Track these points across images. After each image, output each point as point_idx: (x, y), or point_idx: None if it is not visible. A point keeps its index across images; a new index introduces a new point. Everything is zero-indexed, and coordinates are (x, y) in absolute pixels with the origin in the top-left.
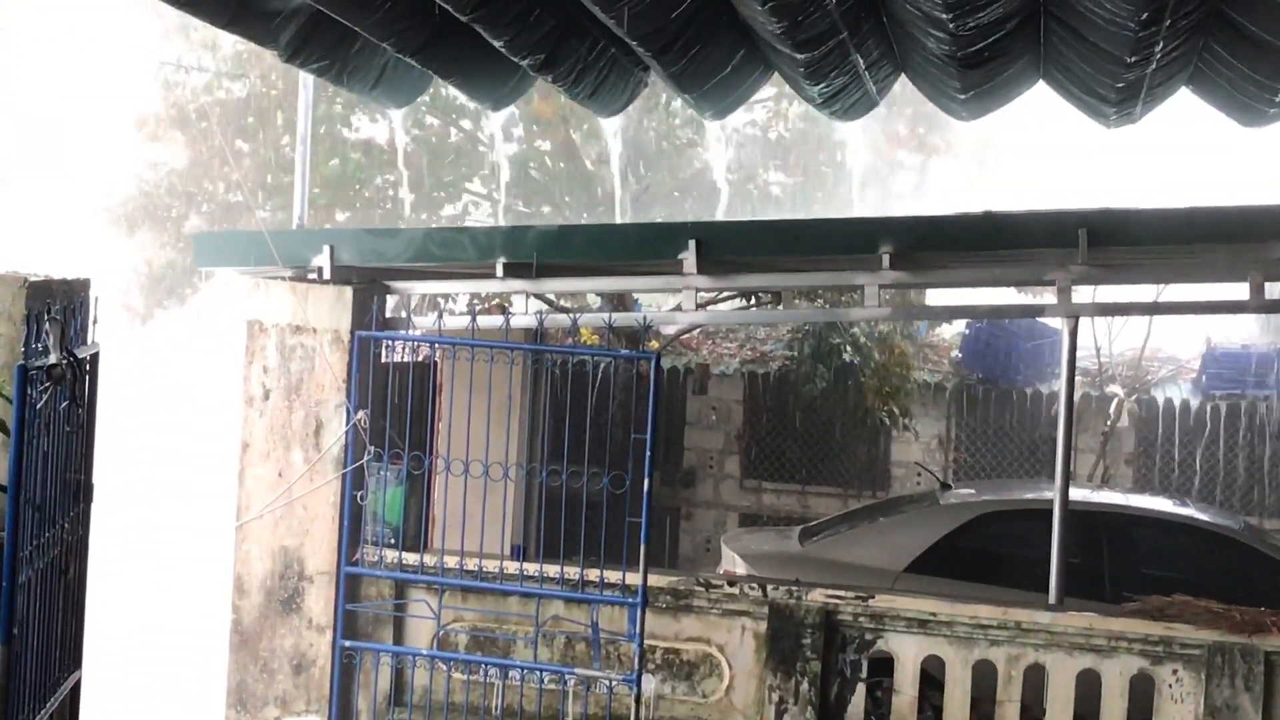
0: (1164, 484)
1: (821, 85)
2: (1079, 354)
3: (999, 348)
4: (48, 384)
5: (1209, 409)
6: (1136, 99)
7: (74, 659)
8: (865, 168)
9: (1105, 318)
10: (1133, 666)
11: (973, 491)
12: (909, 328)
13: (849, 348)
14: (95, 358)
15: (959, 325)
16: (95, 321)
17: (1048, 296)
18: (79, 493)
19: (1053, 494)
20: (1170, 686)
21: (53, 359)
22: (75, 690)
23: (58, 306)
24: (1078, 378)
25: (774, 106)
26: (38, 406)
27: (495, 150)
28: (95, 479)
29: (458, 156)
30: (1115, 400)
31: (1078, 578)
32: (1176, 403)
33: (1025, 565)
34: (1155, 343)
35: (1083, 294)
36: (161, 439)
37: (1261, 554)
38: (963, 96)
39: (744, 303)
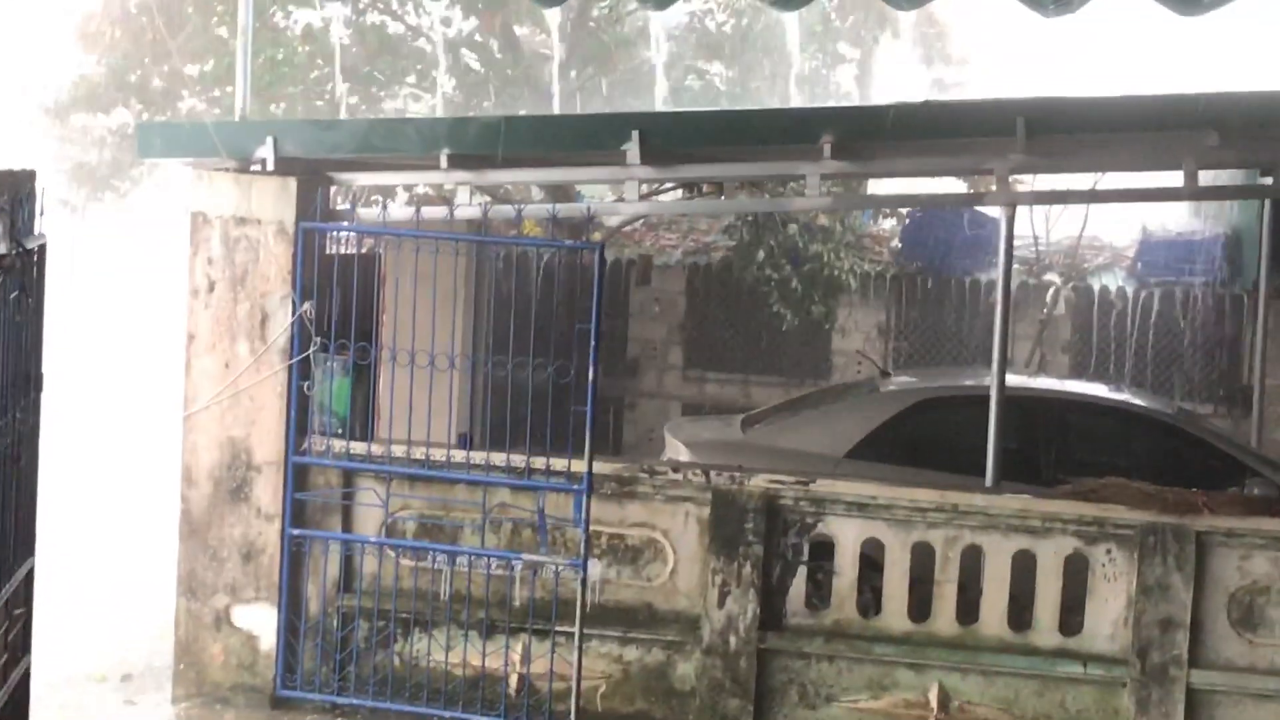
0: (1100, 371)
1: None
2: (1017, 243)
3: (938, 237)
4: None
5: (1144, 296)
6: None
7: (27, 546)
8: (806, 61)
9: (1043, 206)
10: (1067, 547)
11: (912, 379)
12: (850, 219)
13: (772, 251)
14: (43, 249)
15: (899, 215)
16: (41, 213)
17: (987, 186)
18: (29, 382)
19: (990, 381)
20: (1104, 566)
21: (1, 249)
22: (29, 577)
23: (4, 198)
24: (1016, 266)
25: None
26: None
27: (434, 42)
28: (44, 369)
29: (396, 48)
30: (1052, 288)
31: (1015, 463)
32: (1113, 290)
33: (963, 451)
34: (1092, 231)
35: (1022, 182)
36: (106, 332)
37: (1196, 438)
38: None
39: (687, 194)
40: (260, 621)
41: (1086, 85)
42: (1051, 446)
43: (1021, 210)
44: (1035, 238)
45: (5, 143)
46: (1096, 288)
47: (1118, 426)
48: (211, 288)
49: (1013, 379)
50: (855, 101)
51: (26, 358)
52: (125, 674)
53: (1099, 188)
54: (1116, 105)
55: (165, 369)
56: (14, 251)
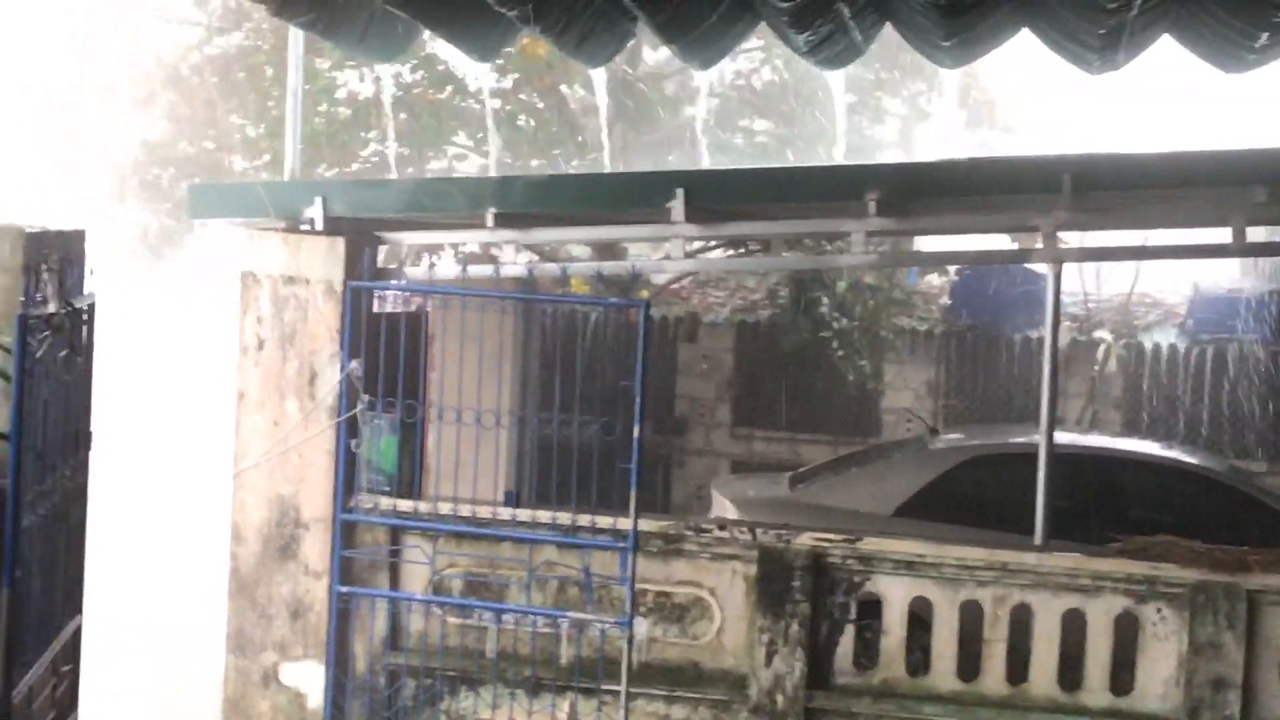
0: (1151, 427)
1: (807, 34)
2: (1066, 299)
3: (988, 294)
4: (47, 333)
5: (1195, 353)
6: (1119, 46)
7: (74, 604)
8: (850, 116)
9: (1093, 263)
10: (1117, 606)
11: (961, 436)
12: (896, 275)
13: (826, 303)
14: (92, 308)
15: (950, 271)
16: (91, 273)
17: (1034, 242)
18: (78, 440)
19: (1039, 438)
20: (1154, 625)
21: (51, 308)
22: (76, 635)
23: (55, 257)
24: (1065, 323)
25: (759, 56)
26: (37, 355)
27: (483, 102)
28: (94, 427)
29: (443, 110)
30: (1103, 345)
31: (1065, 521)
32: (1164, 347)
33: (1012, 508)
34: (1142, 287)
35: (1069, 239)
36: (158, 391)
37: (1247, 496)
38: (946, 44)
39: (733, 251)
40: (308, 679)
41: (1132, 142)
42: (1101, 504)
43: (1071, 267)
44: (1085, 294)
45: (62, 208)
46: (1148, 345)
47: (1169, 484)
48: (261, 346)
49: (1062, 436)
50: (899, 158)
51: (75, 416)
52: None
53: (1147, 244)
54: (1163, 162)
55: (216, 428)
56: (63, 310)
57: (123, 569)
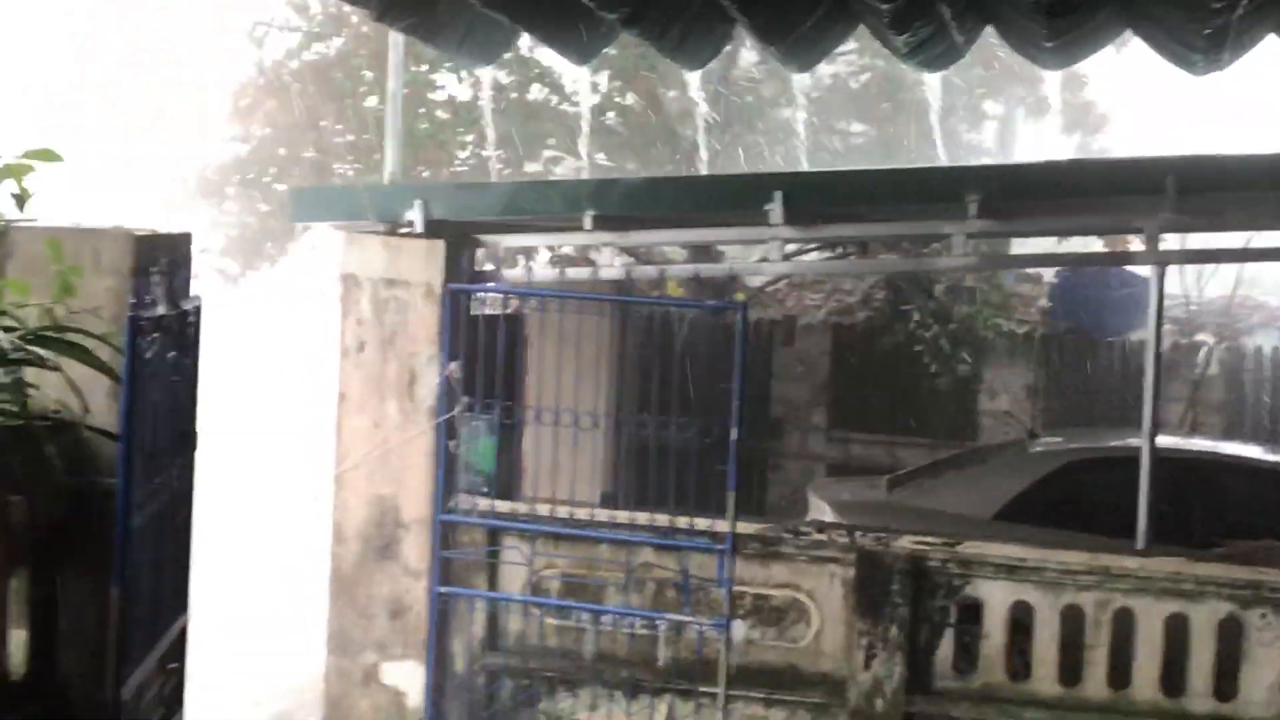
0: (1254, 431)
1: (907, 35)
2: (1168, 302)
3: (1089, 297)
4: (156, 334)
5: None
6: (1223, 46)
7: (181, 603)
8: (949, 118)
9: (1195, 265)
10: (1221, 611)
11: (1060, 440)
12: (995, 277)
13: (919, 311)
14: (198, 309)
15: (1048, 274)
16: (197, 275)
17: (1136, 244)
18: (185, 441)
19: (1140, 442)
20: (1259, 630)
21: (160, 310)
22: (183, 634)
23: (163, 260)
24: (1167, 325)
25: (857, 59)
26: (146, 356)
27: (579, 104)
28: (199, 429)
29: (540, 113)
30: (1205, 348)
31: (1166, 525)
32: (1267, 350)
33: (1113, 513)
34: (1245, 289)
35: (1171, 241)
36: (260, 393)
37: None
38: (1049, 45)
39: (830, 254)
40: (408, 679)
41: (1237, 143)
42: (1204, 508)
43: (1173, 269)
44: (1187, 297)
45: (166, 213)
46: (1251, 347)
47: (1272, 488)
48: (362, 348)
49: (1164, 440)
50: (997, 160)
51: (182, 417)
52: None
53: (1251, 246)
54: (1268, 163)
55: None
56: (171, 312)
57: (228, 569)
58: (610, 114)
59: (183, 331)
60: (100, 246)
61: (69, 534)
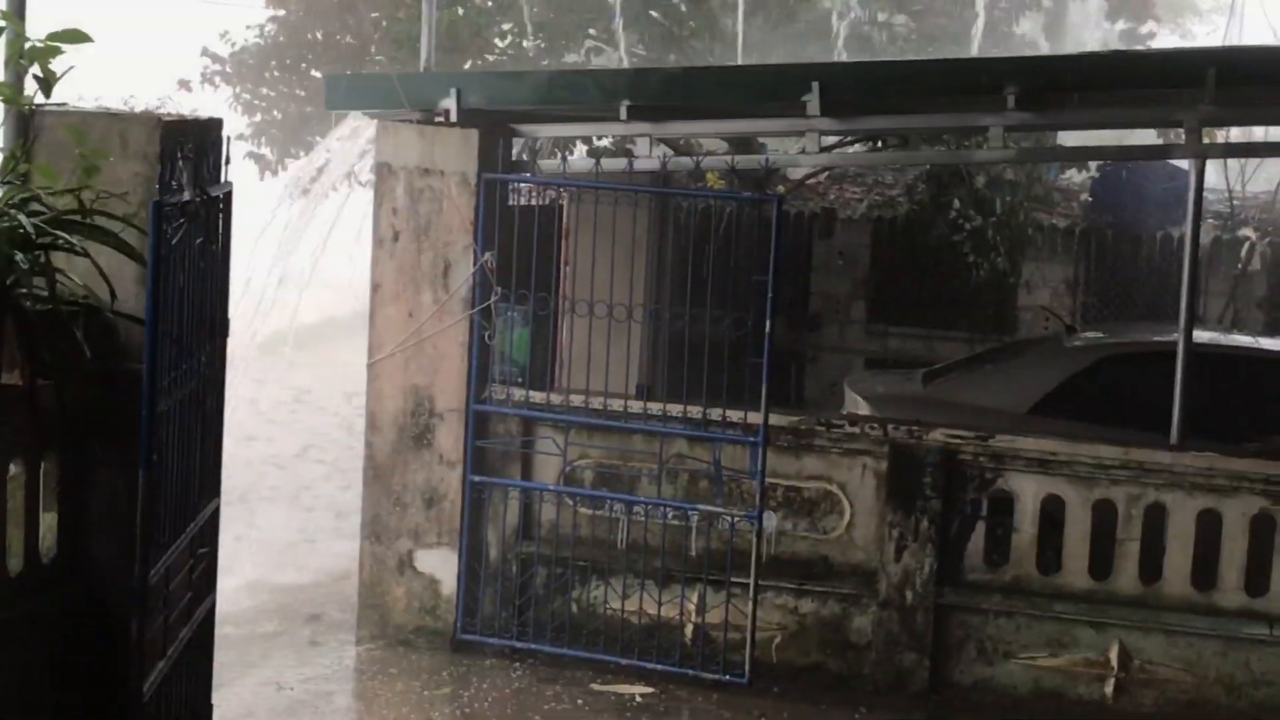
0: None
1: None
2: (1209, 196)
3: (1130, 191)
4: (182, 220)
5: None
6: None
7: (213, 487)
8: (991, 9)
9: (1239, 159)
10: (1254, 506)
11: (1099, 335)
12: (1036, 171)
13: (960, 204)
14: (228, 196)
15: (1090, 168)
16: (228, 161)
17: (1177, 138)
18: (214, 327)
19: (1176, 337)
20: None
21: (186, 196)
22: (214, 517)
23: (190, 145)
24: (1208, 220)
25: None
26: (173, 242)
27: None
28: (229, 315)
29: (581, 3)
30: (1247, 243)
31: (1203, 421)
32: None
33: (1150, 408)
34: None
35: (1213, 135)
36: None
37: None
38: None
39: (869, 146)
40: (442, 566)
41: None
42: (1241, 404)
43: (1215, 164)
44: (1229, 191)
45: (192, 101)
46: None
47: None
48: (396, 238)
49: (1202, 335)
50: (1041, 52)
51: (211, 304)
52: (311, 614)
53: None
54: None
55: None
56: (198, 199)
57: (258, 457)
58: (647, 2)
59: (211, 218)
60: (127, 131)
61: (98, 419)
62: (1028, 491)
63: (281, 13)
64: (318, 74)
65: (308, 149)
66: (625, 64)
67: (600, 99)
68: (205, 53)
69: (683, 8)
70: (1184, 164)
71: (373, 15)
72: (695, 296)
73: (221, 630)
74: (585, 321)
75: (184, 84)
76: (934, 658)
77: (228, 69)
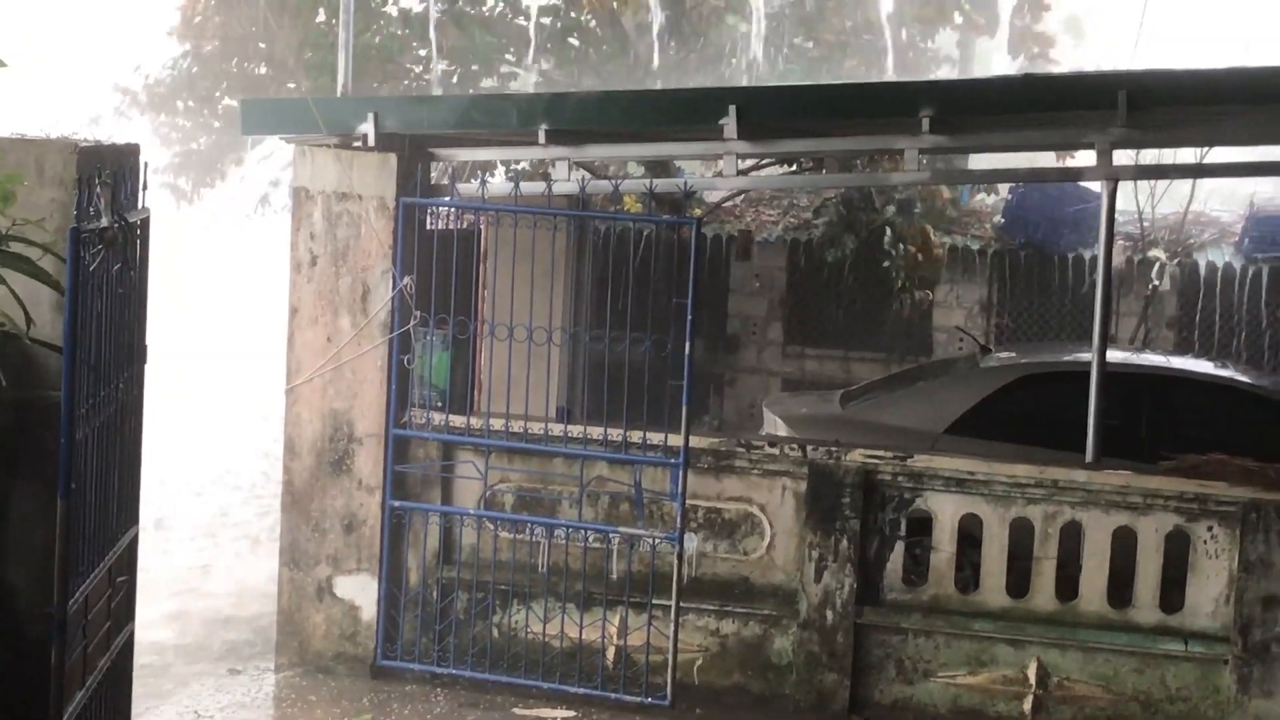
0: (1205, 347)
1: None
2: (1122, 218)
3: (1041, 213)
4: (100, 246)
5: (1251, 272)
6: None
7: (130, 515)
8: (901, 37)
9: (1148, 181)
10: (1168, 523)
11: (1013, 355)
12: (950, 193)
13: (874, 227)
14: (145, 222)
15: (1002, 190)
16: (145, 188)
17: (1088, 160)
18: (133, 354)
19: (1091, 357)
20: (1205, 543)
21: (104, 222)
22: (132, 545)
23: (108, 171)
24: (1120, 242)
25: None
26: (90, 268)
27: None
28: (147, 342)
29: (493, 26)
30: (1157, 264)
31: (1117, 439)
32: (1219, 266)
33: (1064, 427)
34: (1198, 206)
35: (1124, 158)
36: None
37: None
38: None
39: (785, 169)
40: (361, 592)
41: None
42: (1154, 423)
43: (1126, 186)
44: (1140, 213)
45: (114, 129)
46: (1203, 263)
47: (1222, 403)
48: (314, 262)
49: (1115, 355)
50: (954, 73)
51: (130, 330)
52: (229, 642)
53: (1204, 162)
54: (1222, 78)
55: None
56: (116, 224)
57: (177, 483)
58: (564, 26)
59: (129, 244)
60: (43, 157)
61: (14, 447)
62: (946, 511)
63: (188, 46)
64: (232, 102)
65: (224, 178)
66: (543, 88)
67: (518, 123)
68: (117, 88)
69: (598, 31)
70: (1095, 186)
71: (290, 44)
72: (614, 319)
73: (140, 659)
74: (505, 345)
75: (94, 121)
76: (854, 677)
77: (141, 98)
